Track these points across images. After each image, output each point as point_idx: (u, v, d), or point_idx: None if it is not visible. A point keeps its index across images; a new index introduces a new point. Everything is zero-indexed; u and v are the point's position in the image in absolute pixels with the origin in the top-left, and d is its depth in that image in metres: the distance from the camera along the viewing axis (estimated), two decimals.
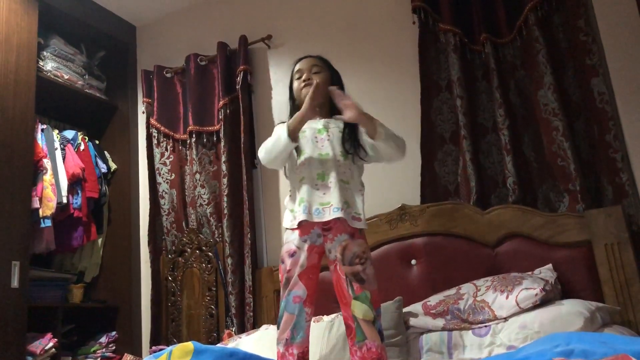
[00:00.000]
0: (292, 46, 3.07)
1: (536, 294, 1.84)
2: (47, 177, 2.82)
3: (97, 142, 3.36)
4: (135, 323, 3.14)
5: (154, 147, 3.22)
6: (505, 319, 1.88)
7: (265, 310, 2.72)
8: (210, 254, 2.92)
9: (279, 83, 3.07)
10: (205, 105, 3.14)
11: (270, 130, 1.98)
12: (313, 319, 2.24)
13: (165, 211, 3.14)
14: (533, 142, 2.38)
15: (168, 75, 3.30)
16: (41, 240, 2.79)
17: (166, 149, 3.21)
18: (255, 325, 2.69)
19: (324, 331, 2.10)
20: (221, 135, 3.01)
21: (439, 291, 2.15)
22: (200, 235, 2.99)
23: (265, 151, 1.86)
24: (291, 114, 1.93)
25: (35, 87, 2.78)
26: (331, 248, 1.77)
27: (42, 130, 2.94)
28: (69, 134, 3.15)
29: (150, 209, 3.14)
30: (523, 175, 2.35)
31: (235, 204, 2.92)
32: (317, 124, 1.90)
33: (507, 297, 1.88)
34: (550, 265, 2.08)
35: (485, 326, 1.91)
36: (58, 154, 2.94)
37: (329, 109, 1.93)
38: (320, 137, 1.86)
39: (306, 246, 1.78)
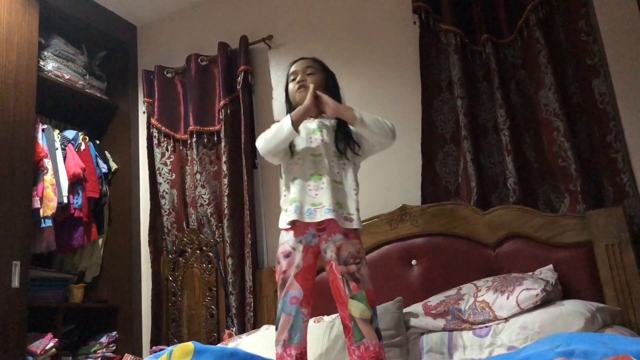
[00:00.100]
0: (292, 46, 3.07)
1: (537, 295, 1.84)
2: (48, 177, 2.82)
3: (97, 142, 3.37)
4: (135, 323, 3.14)
5: (155, 147, 3.22)
6: (506, 319, 1.88)
7: (266, 310, 2.72)
8: (210, 254, 2.92)
9: (280, 83, 3.06)
10: (205, 106, 3.14)
11: None
12: (313, 319, 2.25)
13: (165, 211, 3.14)
14: (534, 142, 2.38)
15: (169, 75, 3.31)
16: (42, 240, 2.79)
17: (167, 149, 3.21)
18: (256, 326, 2.69)
19: (324, 331, 2.10)
20: (222, 135, 3.01)
21: (439, 291, 2.15)
22: (201, 236, 2.99)
23: (264, 140, 1.87)
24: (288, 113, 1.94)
25: (36, 87, 2.78)
26: (326, 248, 1.77)
27: (43, 130, 2.95)
28: (70, 134, 3.15)
29: (151, 209, 3.14)
30: (524, 176, 2.35)
31: (236, 204, 2.92)
32: (312, 124, 1.91)
33: (507, 298, 1.88)
34: (550, 266, 2.08)
35: (486, 327, 1.91)
36: (59, 154, 2.95)
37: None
38: (314, 137, 1.87)
39: (301, 247, 1.78)
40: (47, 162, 2.85)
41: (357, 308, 1.69)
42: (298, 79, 1.93)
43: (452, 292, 2.08)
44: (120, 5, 3.44)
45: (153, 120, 3.23)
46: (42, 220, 2.74)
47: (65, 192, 2.86)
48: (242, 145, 2.95)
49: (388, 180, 2.65)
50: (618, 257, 2.02)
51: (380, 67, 2.80)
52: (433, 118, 2.57)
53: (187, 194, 3.13)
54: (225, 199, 2.92)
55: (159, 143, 3.21)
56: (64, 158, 2.98)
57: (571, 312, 1.78)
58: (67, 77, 3.14)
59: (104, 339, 3.01)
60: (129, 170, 3.35)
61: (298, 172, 1.83)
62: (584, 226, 2.10)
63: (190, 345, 1.32)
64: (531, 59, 2.39)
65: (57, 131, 3.07)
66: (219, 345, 2.26)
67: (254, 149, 2.90)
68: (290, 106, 1.99)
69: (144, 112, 3.34)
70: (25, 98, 2.71)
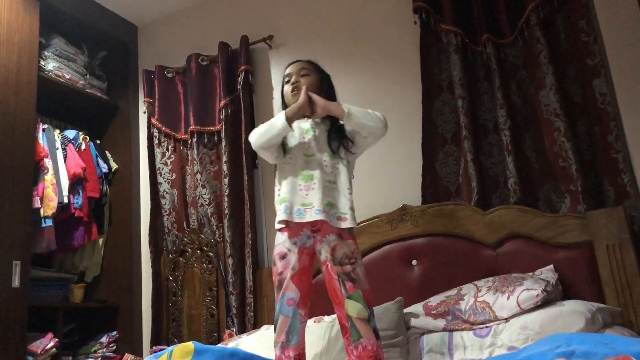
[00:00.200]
0: (293, 46, 3.07)
1: (537, 295, 1.83)
2: (48, 177, 2.82)
3: (98, 142, 3.37)
4: (136, 323, 3.14)
5: (155, 147, 3.22)
6: (506, 319, 1.88)
7: (266, 310, 2.72)
8: (211, 254, 2.92)
9: (280, 83, 3.06)
10: (206, 105, 3.14)
11: None
12: (314, 319, 2.25)
13: (166, 211, 3.15)
14: (534, 142, 2.38)
15: (169, 75, 3.31)
16: (42, 240, 2.79)
17: (167, 149, 3.21)
18: (256, 326, 2.69)
19: (324, 331, 2.10)
20: (222, 135, 3.02)
21: (439, 292, 2.15)
22: (201, 236, 2.99)
23: (257, 134, 1.88)
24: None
25: (36, 87, 2.78)
26: (321, 249, 1.78)
27: (44, 130, 2.95)
28: (70, 133, 3.15)
29: (151, 208, 3.14)
30: (524, 176, 2.34)
31: (236, 204, 2.92)
32: (305, 124, 1.92)
33: (508, 298, 1.88)
34: (551, 266, 2.08)
35: (486, 327, 1.91)
36: (59, 153, 2.95)
37: None
38: (307, 136, 1.88)
39: (296, 248, 1.79)
40: (48, 162, 2.85)
41: (353, 308, 1.69)
42: (292, 80, 1.95)
43: (453, 292, 2.08)
44: (120, 5, 3.44)
45: (153, 120, 3.23)
46: (43, 220, 2.74)
47: (65, 192, 2.86)
48: (243, 145, 2.95)
49: (388, 180, 2.65)
50: (619, 258, 2.02)
51: (380, 67, 2.79)
52: (433, 118, 2.57)
53: (187, 193, 3.14)
54: (226, 199, 2.92)
55: (160, 143, 3.21)
56: (65, 158, 2.98)
57: (571, 313, 1.78)
58: (67, 76, 3.14)
59: (104, 339, 3.01)
60: (130, 170, 3.35)
61: (290, 172, 1.84)
62: (584, 226, 2.10)
63: (190, 345, 1.32)
64: (532, 59, 2.39)
65: (57, 131, 3.07)
66: (219, 345, 2.26)
67: None
68: (285, 108, 2.00)
69: (144, 112, 3.34)
70: (26, 98, 2.71)
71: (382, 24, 2.84)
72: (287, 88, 1.96)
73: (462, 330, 1.96)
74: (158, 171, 3.20)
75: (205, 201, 3.02)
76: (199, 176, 3.05)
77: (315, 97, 1.87)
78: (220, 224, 2.98)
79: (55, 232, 2.85)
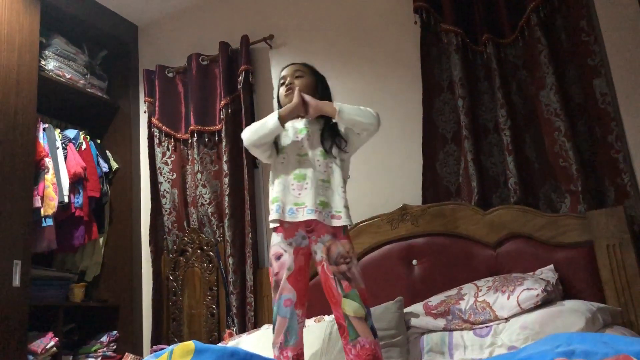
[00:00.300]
0: (293, 46, 3.07)
1: (537, 295, 1.83)
2: (49, 177, 2.82)
3: (98, 141, 3.37)
4: (136, 322, 3.14)
5: (156, 146, 3.22)
6: (507, 319, 1.88)
7: (267, 309, 2.72)
8: (211, 253, 2.92)
9: None
10: (206, 105, 3.14)
11: None
12: (314, 318, 2.25)
13: (166, 210, 3.15)
14: (535, 142, 2.38)
15: (170, 74, 3.31)
16: (42, 240, 2.79)
17: (167, 149, 3.21)
18: (256, 325, 2.69)
19: (325, 331, 2.10)
20: (223, 134, 3.02)
21: (440, 291, 2.15)
22: (202, 235, 2.99)
23: (250, 132, 1.90)
24: None
25: (37, 87, 2.78)
26: (316, 249, 1.79)
27: (44, 129, 2.95)
28: (71, 133, 3.15)
29: (152, 208, 3.14)
30: (524, 176, 2.35)
31: (237, 204, 2.93)
32: (299, 124, 1.93)
33: (508, 298, 1.88)
34: (551, 266, 2.08)
35: (487, 326, 1.91)
36: (60, 153, 2.95)
37: None
38: (300, 136, 1.89)
39: (292, 249, 1.80)
40: (48, 162, 2.85)
41: (350, 306, 1.69)
42: (287, 82, 1.96)
43: (453, 292, 2.08)
44: (121, 5, 3.44)
45: (154, 120, 3.23)
46: (43, 219, 2.75)
47: (66, 192, 2.86)
48: (243, 145, 2.94)
49: (389, 180, 2.65)
50: (619, 258, 2.02)
51: (381, 67, 2.80)
52: (434, 118, 2.57)
53: (187, 193, 3.14)
54: (226, 199, 2.92)
55: (160, 142, 3.22)
56: (65, 157, 2.99)
57: (572, 312, 1.78)
58: (68, 76, 3.14)
59: (104, 338, 3.02)
60: (130, 170, 3.35)
61: (283, 171, 1.85)
62: (584, 226, 2.10)
63: (191, 344, 1.32)
64: (532, 59, 2.39)
65: (58, 130, 3.07)
66: (219, 344, 2.26)
67: None
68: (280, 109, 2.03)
69: (145, 112, 3.34)
70: (27, 97, 2.71)
71: (382, 23, 2.84)
72: (282, 90, 1.98)
73: (462, 329, 1.96)
74: (158, 171, 3.20)
75: (206, 201, 3.02)
76: (199, 176, 3.06)
77: (307, 97, 1.88)
78: (220, 223, 2.98)
79: (56, 232, 2.85)
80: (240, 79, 3.03)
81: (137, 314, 3.16)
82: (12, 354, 2.37)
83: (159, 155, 3.21)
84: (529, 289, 1.86)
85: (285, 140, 1.90)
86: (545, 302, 1.85)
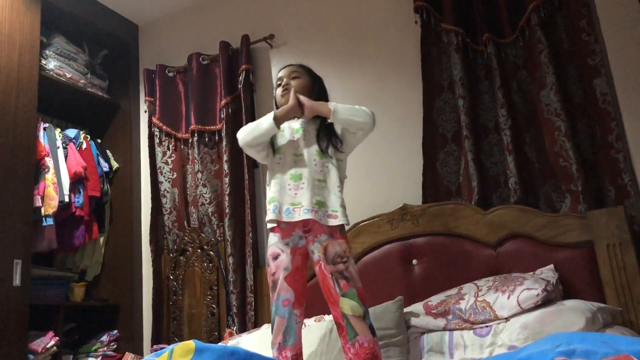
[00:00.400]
0: (294, 45, 3.07)
1: (537, 294, 1.84)
2: (49, 176, 2.82)
3: (99, 140, 3.37)
4: (136, 322, 3.14)
5: (156, 146, 3.22)
6: (507, 319, 1.88)
7: (267, 309, 2.73)
8: (211, 253, 2.92)
9: None
10: (207, 105, 3.15)
11: None
12: (314, 318, 2.25)
13: (167, 210, 3.15)
14: (535, 142, 2.38)
15: (170, 74, 3.31)
16: (43, 239, 2.79)
17: (168, 148, 3.21)
18: (257, 324, 2.69)
19: (325, 330, 2.10)
20: (223, 134, 3.02)
21: (440, 291, 2.15)
22: (202, 235, 2.99)
23: (244, 132, 1.90)
24: None
25: (37, 86, 2.78)
26: (313, 249, 1.79)
27: (45, 129, 2.95)
28: (71, 132, 3.15)
29: (152, 207, 3.15)
30: (525, 176, 2.35)
31: (237, 203, 2.93)
32: (295, 124, 1.93)
33: (508, 297, 1.88)
34: (551, 266, 2.08)
35: (487, 326, 1.91)
36: (60, 152, 2.95)
37: None
38: (296, 136, 1.90)
39: (289, 249, 1.80)
40: (49, 161, 2.85)
41: (348, 305, 1.70)
42: (283, 83, 1.97)
43: (453, 291, 2.08)
44: (122, 4, 3.44)
45: (154, 119, 3.23)
46: (44, 218, 2.75)
47: (66, 191, 2.87)
48: None
49: (389, 179, 2.65)
50: (619, 257, 2.02)
51: (381, 67, 2.80)
52: (434, 117, 2.57)
53: (188, 193, 3.14)
54: (227, 198, 2.92)
55: (160, 142, 3.22)
56: (66, 157, 2.99)
57: (572, 312, 1.78)
58: (68, 75, 3.14)
59: (104, 338, 3.02)
60: (130, 169, 3.35)
61: (279, 171, 1.85)
62: (585, 226, 2.10)
63: (191, 343, 1.32)
64: (533, 58, 2.39)
65: (58, 130, 3.07)
66: (219, 344, 2.26)
67: None
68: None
69: (145, 111, 3.34)
70: (27, 97, 2.71)
71: (382, 23, 2.84)
72: (278, 91, 1.99)
73: (462, 329, 1.97)
74: (159, 170, 3.20)
75: (206, 200, 3.02)
76: (199, 175, 3.06)
77: (302, 98, 1.88)
78: (221, 223, 2.98)
79: (56, 231, 2.85)
80: (241, 78, 3.03)
81: (137, 314, 3.16)
82: (12, 353, 2.38)
83: (159, 155, 3.21)
84: (529, 289, 1.86)
85: (282, 140, 1.90)
86: (546, 301, 1.85)
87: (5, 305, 2.39)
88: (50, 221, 2.77)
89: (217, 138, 3.09)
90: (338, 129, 1.91)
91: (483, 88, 2.51)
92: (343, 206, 1.79)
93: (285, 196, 1.80)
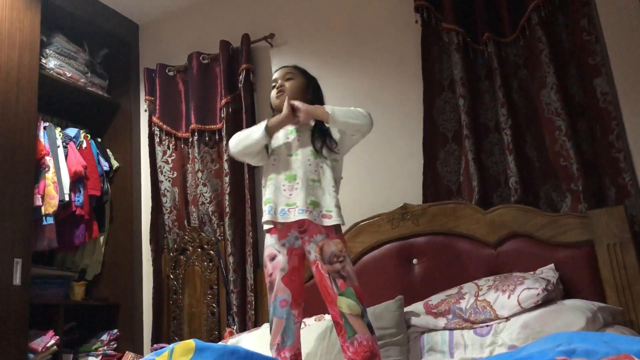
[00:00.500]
0: (294, 45, 3.07)
1: (538, 294, 1.84)
2: (50, 175, 2.82)
3: (99, 140, 3.37)
4: (136, 321, 3.14)
5: (156, 145, 3.22)
6: (507, 318, 1.88)
7: (267, 308, 2.70)
8: (211, 252, 2.92)
9: None
10: (207, 104, 3.14)
11: None
12: (314, 317, 2.25)
13: (167, 209, 3.15)
14: (535, 141, 2.37)
15: (170, 73, 3.31)
16: (43, 238, 2.79)
17: (168, 147, 3.21)
18: (257, 324, 2.69)
19: (325, 330, 2.10)
20: (223, 133, 3.02)
21: (440, 290, 2.15)
22: (202, 234, 2.99)
23: (236, 140, 1.91)
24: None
25: (37, 85, 2.78)
26: (310, 249, 1.79)
27: (45, 128, 2.95)
28: (72, 131, 3.15)
29: (152, 207, 3.15)
30: (525, 175, 2.34)
31: (237, 203, 2.93)
32: (289, 125, 1.93)
33: (508, 297, 1.88)
34: (552, 265, 2.08)
35: (487, 326, 1.91)
36: (60, 151, 2.95)
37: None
38: (291, 137, 1.90)
39: (285, 249, 1.81)
40: (49, 160, 2.85)
41: (346, 304, 1.70)
42: (277, 85, 1.98)
43: (453, 291, 2.08)
44: (122, 3, 3.44)
45: (154, 119, 3.23)
46: (44, 218, 2.75)
47: (66, 190, 2.86)
48: None
49: (389, 179, 2.65)
50: (619, 257, 2.02)
51: (382, 66, 2.79)
52: (435, 117, 2.57)
53: (188, 192, 3.14)
54: (227, 197, 2.92)
55: (161, 141, 3.21)
56: (66, 156, 2.99)
57: (572, 312, 1.78)
58: (68, 75, 3.14)
59: (105, 337, 3.01)
60: (131, 168, 3.35)
61: (274, 172, 1.86)
62: (585, 226, 2.10)
63: (191, 342, 1.31)
64: (533, 58, 2.39)
65: (58, 129, 3.07)
66: (220, 343, 2.26)
67: None
68: (273, 112, 2.05)
69: (145, 110, 3.34)
70: (27, 96, 2.71)
71: (383, 22, 2.83)
72: (273, 92, 2.00)
73: (462, 329, 1.96)
74: (159, 169, 3.20)
75: (206, 199, 3.02)
76: (199, 174, 3.06)
77: (297, 103, 1.87)
78: (221, 222, 2.98)
79: (57, 230, 2.85)
80: (241, 77, 3.03)
81: (137, 313, 3.16)
82: (12, 352, 2.38)
83: (159, 154, 3.21)
84: (529, 288, 1.86)
85: (276, 141, 1.91)
86: (546, 301, 1.85)
87: (6, 304, 2.39)
88: (50, 220, 2.77)
89: (217, 137, 3.09)
90: (334, 130, 1.91)
91: (483, 87, 2.51)
92: (338, 206, 1.79)
93: (281, 197, 1.81)
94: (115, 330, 3.08)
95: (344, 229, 2.48)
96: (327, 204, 1.79)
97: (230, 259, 2.84)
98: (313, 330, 2.14)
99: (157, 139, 3.22)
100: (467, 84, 2.45)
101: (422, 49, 2.62)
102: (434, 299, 2.08)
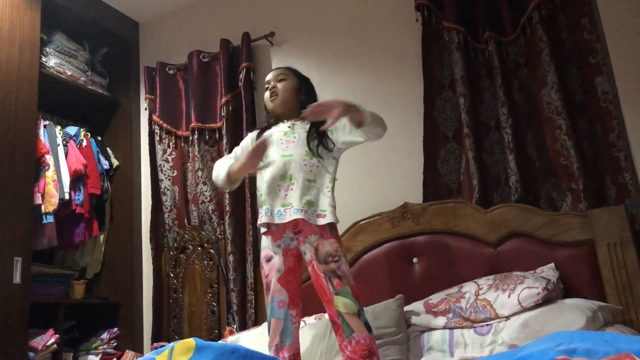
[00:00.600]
0: (294, 43, 3.06)
1: (538, 293, 1.84)
2: (50, 174, 2.82)
3: (99, 138, 3.36)
4: (136, 319, 3.14)
5: (156, 143, 3.22)
6: (507, 317, 1.88)
7: (266, 308, 2.72)
8: (212, 251, 2.92)
9: None
10: (207, 102, 3.14)
11: None
12: (314, 316, 2.25)
13: (167, 208, 3.15)
14: (536, 140, 2.37)
15: (171, 72, 3.30)
16: (43, 237, 2.79)
17: (168, 146, 3.21)
18: (257, 323, 2.69)
19: (325, 329, 2.10)
20: (223, 132, 3.01)
21: (440, 289, 2.15)
22: (202, 232, 2.99)
23: (214, 171, 1.98)
24: (266, 121, 2.06)
25: (37, 83, 2.77)
26: (305, 250, 1.79)
27: (45, 126, 2.95)
28: (72, 130, 3.15)
29: (152, 205, 3.14)
30: (526, 174, 2.34)
31: (237, 201, 2.93)
32: (283, 126, 1.94)
33: (509, 296, 1.88)
34: (552, 264, 2.08)
35: (487, 325, 1.91)
36: (60, 150, 2.95)
37: (296, 112, 1.96)
38: (285, 139, 1.90)
39: (281, 251, 1.82)
40: (49, 158, 2.85)
41: (343, 303, 1.70)
42: (270, 86, 1.98)
43: (454, 290, 2.08)
44: (122, 2, 3.43)
45: (155, 117, 3.23)
46: (44, 216, 2.75)
47: (66, 189, 2.86)
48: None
49: (390, 178, 2.65)
50: (620, 256, 2.02)
51: (382, 65, 2.79)
52: (435, 116, 2.57)
53: (188, 190, 3.14)
54: (227, 196, 2.91)
55: (161, 140, 3.21)
56: (66, 154, 2.99)
57: (572, 311, 1.78)
58: (69, 73, 3.14)
59: (105, 335, 3.02)
60: (131, 167, 3.35)
61: (269, 175, 1.85)
62: (585, 225, 2.10)
63: (191, 341, 1.31)
64: (534, 57, 2.38)
65: (58, 127, 3.07)
66: (220, 342, 2.26)
67: None
68: (267, 113, 2.07)
69: (145, 109, 3.34)
70: (27, 94, 2.71)
71: (383, 21, 2.83)
72: (267, 94, 2.00)
73: (462, 328, 1.97)
74: (159, 168, 3.19)
75: (207, 198, 3.02)
76: (200, 173, 3.05)
77: (326, 104, 1.70)
78: (221, 221, 2.98)
79: (57, 229, 2.85)
80: (241, 76, 3.03)
81: (137, 311, 3.16)
82: (12, 350, 2.38)
83: (159, 153, 3.21)
84: (529, 288, 1.86)
85: (270, 143, 1.90)
86: (546, 300, 1.85)
87: (6, 302, 2.39)
88: (50, 219, 2.76)
89: (217, 136, 3.09)
90: (336, 131, 1.87)
91: (484, 86, 2.50)
92: (332, 205, 1.79)
93: (277, 198, 1.81)
94: (115, 329, 3.08)
95: (343, 227, 2.50)
96: (321, 203, 1.79)
97: (230, 258, 2.84)
98: (313, 329, 2.14)
99: (157, 138, 3.22)
100: (468, 82, 2.45)
101: (422, 47, 2.61)
102: (434, 298, 2.08)
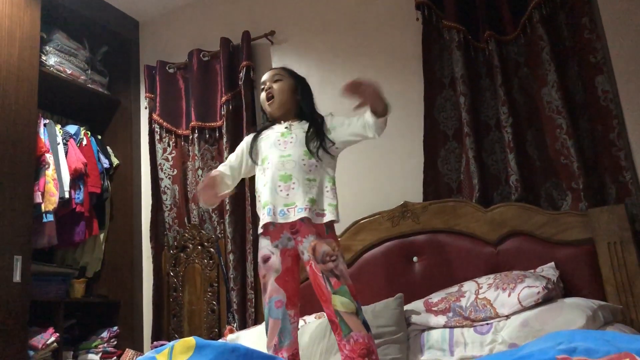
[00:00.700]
0: (295, 42, 3.06)
1: (538, 292, 1.84)
2: (50, 172, 2.82)
3: (99, 137, 3.36)
4: (136, 318, 3.14)
5: (156, 142, 3.22)
6: (507, 316, 1.88)
7: None
8: (212, 249, 2.92)
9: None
10: (207, 101, 3.14)
11: None
12: (314, 315, 2.25)
13: (167, 207, 3.15)
14: (536, 140, 2.37)
15: (171, 70, 3.30)
16: (43, 235, 2.79)
17: (168, 145, 3.21)
18: (257, 322, 2.69)
19: (325, 329, 2.10)
20: (223, 131, 3.01)
21: (440, 288, 2.15)
22: (202, 231, 2.99)
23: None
24: (263, 123, 2.09)
25: (37, 82, 2.77)
26: (303, 250, 1.80)
27: (45, 125, 2.94)
28: (72, 128, 3.15)
29: (152, 204, 3.14)
30: (526, 173, 2.34)
31: (237, 200, 2.92)
32: (280, 127, 1.95)
33: (509, 295, 1.88)
34: (552, 264, 2.08)
35: (487, 324, 1.91)
36: (60, 148, 2.95)
37: (293, 112, 1.98)
38: (283, 139, 1.90)
39: (279, 251, 1.82)
40: (49, 157, 2.85)
41: (340, 302, 1.70)
42: (266, 87, 2.00)
43: (454, 289, 2.08)
44: (122, 1, 3.43)
45: (155, 116, 3.23)
46: (44, 215, 2.75)
47: (66, 187, 2.86)
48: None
49: (390, 177, 2.65)
50: (620, 255, 2.02)
51: (382, 64, 2.79)
52: (435, 115, 2.57)
53: (188, 189, 3.14)
54: None
55: (161, 138, 3.21)
56: (66, 153, 2.98)
57: (572, 310, 1.78)
58: (69, 72, 3.14)
59: (105, 334, 3.02)
60: (131, 166, 3.35)
61: (268, 176, 1.85)
62: (586, 224, 2.10)
63: (191, 340, 1.31)
64: (534, 56, 2.38)
65: (58, 126, 3.07)
66: (220, 340, 2.26)
67: None
68: (264, 114, 2.09)
69: (145, 108, 3.34)
70: (27, 93, 2.71)
71: (384, 20, 2.83)
72: (263, 95, 2.02)
73: (462, 327, 1.97)
74: (159, 167, 3.19)
75: None
76: (200, 172, 3.05)
77: (372, 86, 1.72)
78: (221, 220, 2.98)
79: (57, 227, 2.85)
80: (242, 75, 3.03)
81: (137, 310, 3.16)
82: (13, 349, 2.38)
83: (159, 151, 3.21)
84: (529, 287, 1.86)
85: (268, 145, 1.91)
86: (546, 299, 1.85)
87: (6, 301, 2.39)
88: (50, 217, 2.76)
89: (217, 135, 3.09)
90: (334, 130, 1.89)
91: (484, 85, 2.50)
92: (333, 204, 1.80)
93: (278, 198, 1.81)
94: (115, 328, 3.08)
95: (343, 227, 2.51)
96: (322, 202, 1.80)
97: (231, 257, 2.84)
98: (313, 329, 2.14)
99: (157, 136, 3.22)
100: (468, 81, 2.45)
101: (422, 46, 2.61)
102: (434, 297, 2.08)
